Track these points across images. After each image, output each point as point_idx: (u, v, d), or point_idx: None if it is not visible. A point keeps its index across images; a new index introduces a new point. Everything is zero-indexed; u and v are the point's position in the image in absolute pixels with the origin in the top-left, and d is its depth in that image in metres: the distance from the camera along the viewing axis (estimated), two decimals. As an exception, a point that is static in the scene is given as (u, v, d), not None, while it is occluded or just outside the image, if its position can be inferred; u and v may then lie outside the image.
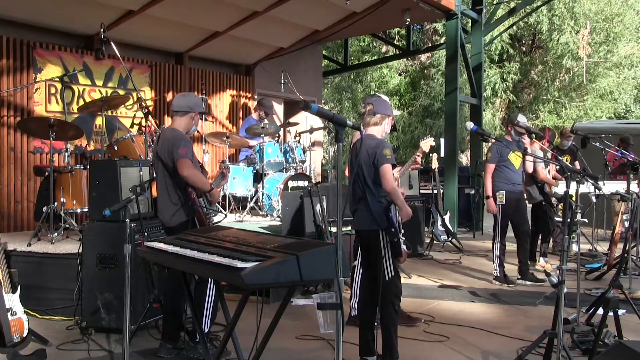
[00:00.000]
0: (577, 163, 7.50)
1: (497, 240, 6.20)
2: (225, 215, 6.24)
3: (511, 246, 6.48)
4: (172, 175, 3.92)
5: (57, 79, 6.52)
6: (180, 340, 4.00)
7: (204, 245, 2.83)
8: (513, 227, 6.29)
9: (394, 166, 3.64)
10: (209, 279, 3.90)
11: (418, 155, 4.81)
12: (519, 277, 6.33)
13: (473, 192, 10.48)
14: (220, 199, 4.38)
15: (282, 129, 9.07)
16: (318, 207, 5.76)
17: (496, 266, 6.27)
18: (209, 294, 3.96)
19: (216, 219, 4.96)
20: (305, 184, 6.90)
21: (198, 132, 7.95)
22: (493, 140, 4.53)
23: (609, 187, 6.96)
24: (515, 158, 6.12)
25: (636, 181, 6.60)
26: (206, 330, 3.92)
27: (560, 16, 16.50)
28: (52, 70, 6.95)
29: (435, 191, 8.32)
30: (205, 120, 8.36)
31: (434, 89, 18.53)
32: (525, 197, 6.68)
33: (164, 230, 4.15)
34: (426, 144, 4.62)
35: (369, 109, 3.73)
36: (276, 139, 7.74)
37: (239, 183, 7.03)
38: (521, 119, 6.18)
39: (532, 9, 14.01)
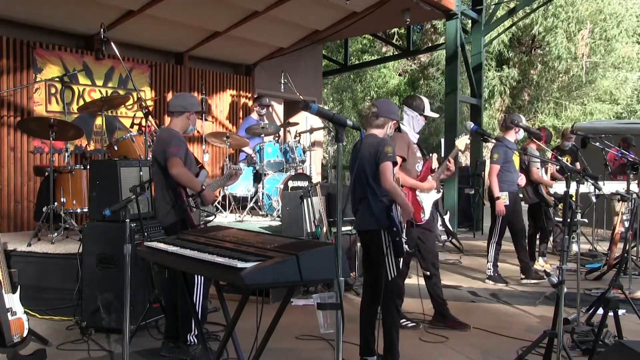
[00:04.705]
0: (577, 164, 7.50)
1: (495, 240, 6.23)
2: (215, 215, 6.15)
3: (508, 246, 6.48)
4: (166, 174, 3.93)
5: (57, 79, 6.51)
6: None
7: (203, 245, 2.83)
8: (509, 227, 6.29)
9: (394, 164, 3.64)
10: (196, 279, 3.89)
11: (449, 161, 4.57)
12: (523, 276, 6.33)
13: (473, 192, 10.48)
14: (215, 199, 4.32)
15: (282, 129, 9.06)
16: (318, 207, 5.77)
17: (490, 266, 6.30)
18: (197, 294, 3.93)
19: (210, 219, 4.95)
20: (305, 184, 6.90)
21: (198, 132, 7.94)
22: (493, 141, 4.51)
23: (609, 187, 6.95)
24: (516, 159, 6.13)
25: (636, 181, 6.60)
26: (196, 331, 3.90)
27: (559, 17, 16.50)
28: (52, 70, 6.95)
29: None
30: (205, 120, 8.36)
31: (433, 89, 18.53)
32: (522, 197, 6.70)
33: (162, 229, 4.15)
34: (461, 142, 4.53)
35: (373, 111, 3.73)
36: (276, 139, 7.74)
37: (239, 183, 7.03)
38: (522, 119, 6.22)
39: (532, 9, 14.01)
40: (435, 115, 4.67)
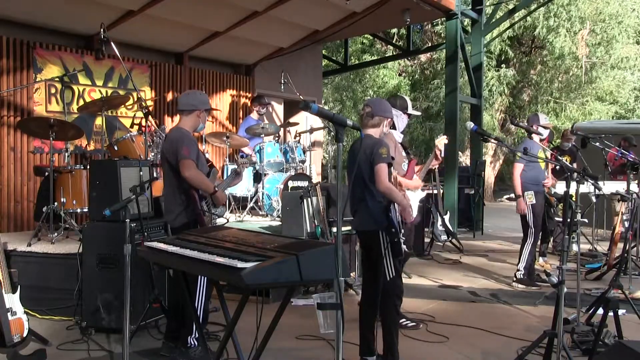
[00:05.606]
0: (575, 164, 7.50)
1: (530, 241, 6.03)
2: (227, 220, 6.18)
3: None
4: (177, 176, 3.89)
5: (57, 79, 6.50)
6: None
7: (203, 245, 2.82)
8: (523, 226, 6.18)
9: (389, 165, 3.65)
10: (199, 280, 3.88)
11: (437, 156, 4.71)
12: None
13: (473, 192, 10.49)
14: (226, 200, 4.29)
15: (282, 129, 9.06)
16: (317, 207, 5.77)
17: (522, 268, 6.08)
18: (200, 296, 3.92)
19: (219, 221, 4.94)
20: (305, 184, 6.90)
21: (198, 131, 7.94)
22: (493, 140, 4.53)
23: (609, 187, 6.96)
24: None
25: (636, 181, 6.60)
26: (196, 334, 3.88)
27: (559, 17, 16.49)
28: (52, 70, 6.95)
29: (435, 191, 8.32)
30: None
31: (433, 90, 18.52)
32: None
33: (169, 229, 4.13)
34: (440, 142, 4.65)
35: (367, 111, 3.77)
36: (276, 139, 7.74)
37: (239, 183, 7.03)
38: (540, 118, 6.18)
39: (529, 10, 14.01)
40: (418, 113, 4.86)
